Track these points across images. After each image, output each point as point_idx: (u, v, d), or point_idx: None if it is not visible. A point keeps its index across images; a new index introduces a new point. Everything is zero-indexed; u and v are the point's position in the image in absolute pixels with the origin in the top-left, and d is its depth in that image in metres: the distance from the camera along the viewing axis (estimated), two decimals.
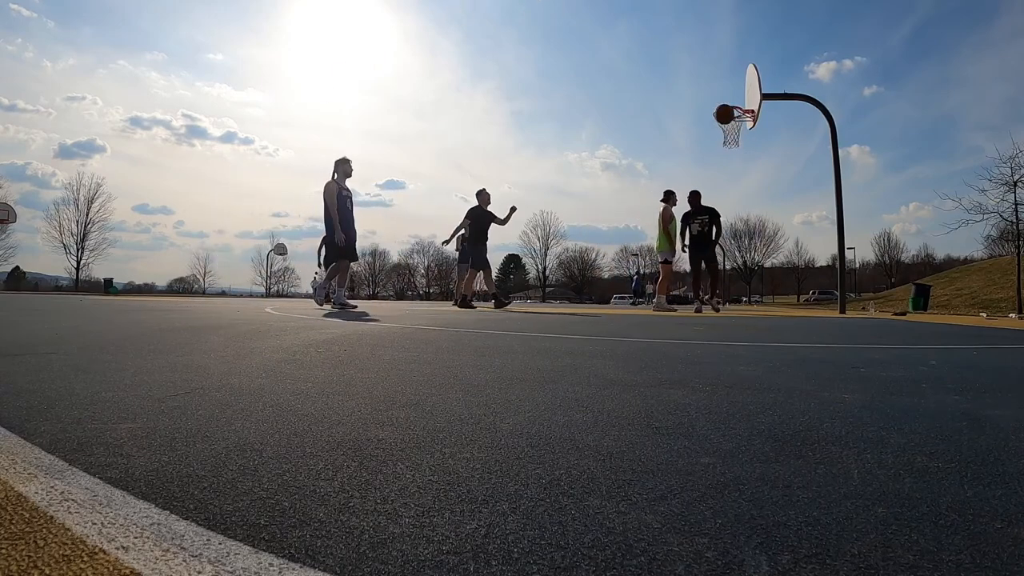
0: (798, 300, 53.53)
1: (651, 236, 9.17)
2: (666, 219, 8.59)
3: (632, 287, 29.47)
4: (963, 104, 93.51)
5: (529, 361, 1.79)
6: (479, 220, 8.63)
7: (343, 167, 6.84)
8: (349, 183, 7.04)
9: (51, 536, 0.50)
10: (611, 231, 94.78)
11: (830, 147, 9.80)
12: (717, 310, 8.59)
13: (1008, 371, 1.78)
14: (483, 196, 8.63)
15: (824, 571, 0.46)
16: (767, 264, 59.60)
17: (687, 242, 8.71)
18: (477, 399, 1.16)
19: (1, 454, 0.74)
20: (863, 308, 14.08)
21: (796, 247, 63.76)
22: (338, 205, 6.60)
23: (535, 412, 1.04)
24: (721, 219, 8.62)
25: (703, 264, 8.61)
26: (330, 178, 6.73)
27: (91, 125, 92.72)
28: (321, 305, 6.95)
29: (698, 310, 8.51)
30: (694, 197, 8.71)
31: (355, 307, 6.81)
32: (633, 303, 25.56)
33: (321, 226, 6.80)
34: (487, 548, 0.49)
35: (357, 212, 7.12)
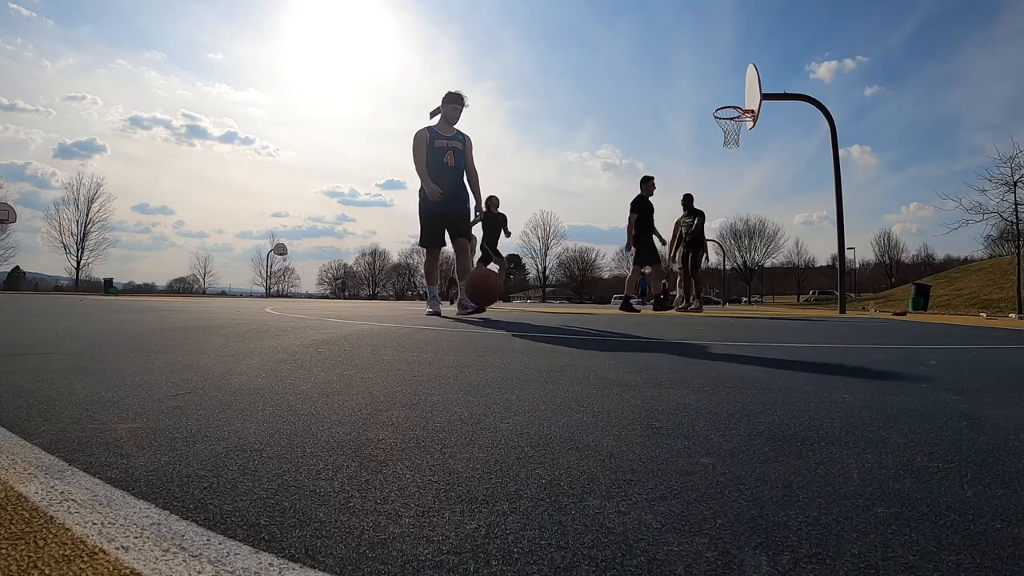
0: (798, 300, 53.53)
1: None
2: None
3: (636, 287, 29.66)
4: (965, 104, 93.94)
5: (529, 361, 1.79)
6: (648, 210, 7.61)
7: (444, 107, 4.93)
8: (469, 131, 5.02)
9: (51, 536, 0.50)
10: (611, 231, 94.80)
11: (830, 147, 9.81)
12: (700, 310, 8.81)
13: (1008, 371, 1.78)
14: (649, 184, 7.71)
15: (824, 571, 0.46)
16: (767, 264, 59.64)
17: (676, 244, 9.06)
18: (477, 399, 1.16)
19: (1, 454, 0.74)
20: (863, 308, 14.07)
21: (796, 247, 63.90)
22: (428, 157, 4.80)
23: (535, 412, 1.04)
24: (705, 222, 8.98)
25: (688, 265, 8.90)
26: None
27: (91, 125, 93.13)
28: (468, 313, 4.75)
29: (683, 309, 8.76)
30: (687, 199, 9.02)
31: (469, 310, 4.80)
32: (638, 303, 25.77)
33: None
34: (487, 548, 0.49)
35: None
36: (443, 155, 4.85)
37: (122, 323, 3.43)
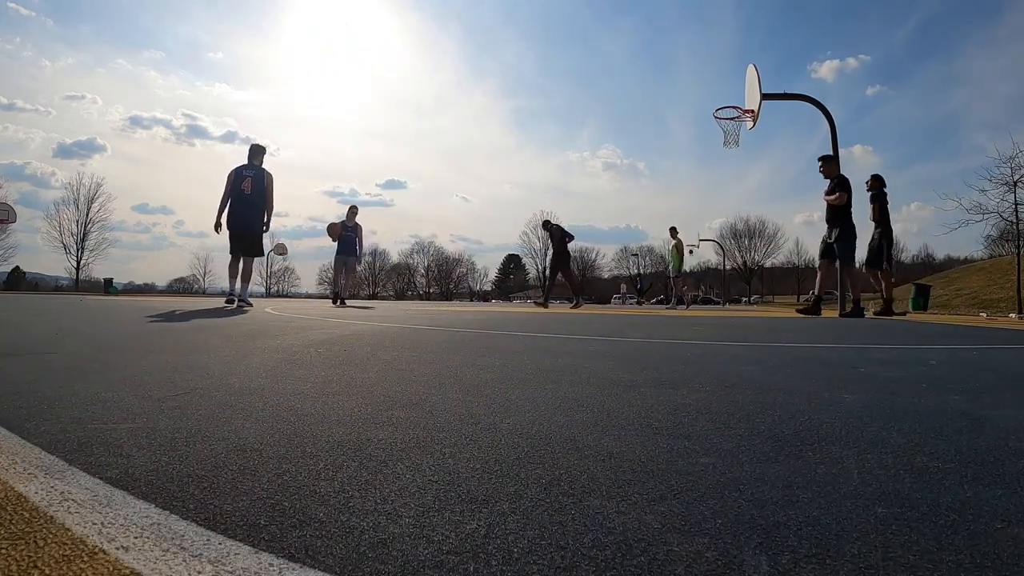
0: (798, 300, 53.45)
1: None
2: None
3: (637, 287, 29.74)
4: (967, 103, 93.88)
5: (529, 361, 1.79)
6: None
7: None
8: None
9: (51, 536, 0.50)
10: (611, 231, 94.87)
11: (831, 147, 9.80)
12: (577, 307, 10.11)
13: (1008, 371, 1.78)
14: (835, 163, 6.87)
15: (824, 571, 0.45)
16: (767, 264, 59.70)
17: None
18: (477, 399, 1.16)
19: (1, 454, 0.74)
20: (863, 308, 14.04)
21: (796, 247, 63.84)
22: (232, 185, 6.51)
23: (535, 412, 1.04)
24: (556, 233, 10.30)
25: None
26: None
27: (91, 124, 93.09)
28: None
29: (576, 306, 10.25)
30: (545, 223, 10.87)
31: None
32: (637, 302, 25.92)
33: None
34: (487, 548, 0.49)
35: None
36: (240, 183, 6.58)
37: (122, 323, 3.43)
